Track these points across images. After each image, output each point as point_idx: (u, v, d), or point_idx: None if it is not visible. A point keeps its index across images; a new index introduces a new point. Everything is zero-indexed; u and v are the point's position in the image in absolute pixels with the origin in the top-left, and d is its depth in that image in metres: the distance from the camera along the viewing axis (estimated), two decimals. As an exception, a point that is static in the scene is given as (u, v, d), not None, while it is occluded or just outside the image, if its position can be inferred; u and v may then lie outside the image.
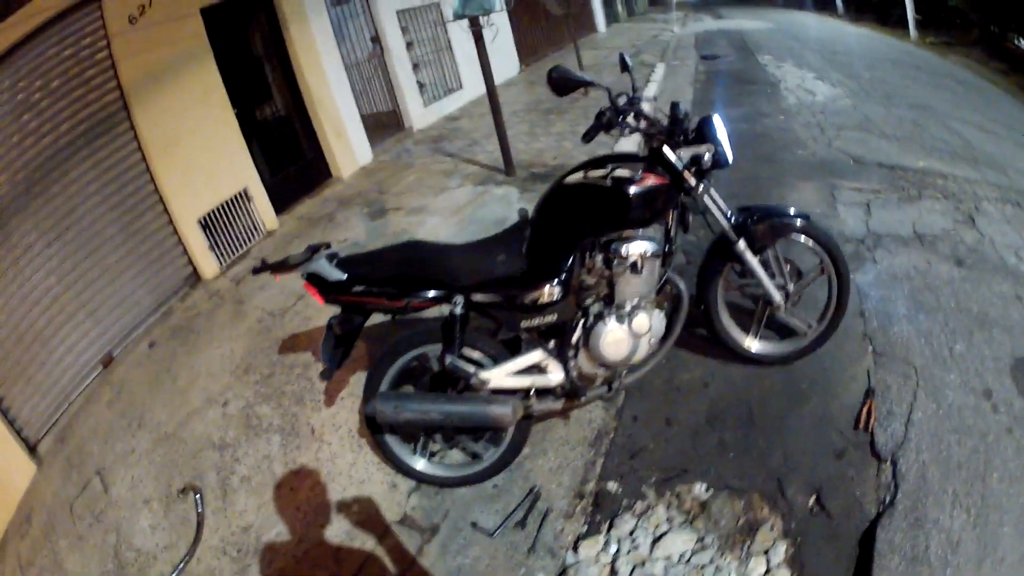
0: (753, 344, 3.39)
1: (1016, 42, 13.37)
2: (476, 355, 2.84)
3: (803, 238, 3.07)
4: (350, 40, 9.34)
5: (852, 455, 2.87)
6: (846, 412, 3.10)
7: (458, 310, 2.71)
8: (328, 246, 2.89)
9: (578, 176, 2.70)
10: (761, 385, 3.37)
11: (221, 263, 6.18)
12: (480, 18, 6.25)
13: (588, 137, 2.79)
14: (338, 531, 2.93)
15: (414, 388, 3.06)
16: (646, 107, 2.85)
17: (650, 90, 9.17)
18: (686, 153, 2.76)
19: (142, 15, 5.63)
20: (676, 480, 2.88)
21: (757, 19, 21.58)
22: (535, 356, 2.83)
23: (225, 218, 6.24)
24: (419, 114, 9.83)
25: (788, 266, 3.20)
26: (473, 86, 11.02)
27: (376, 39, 9.47)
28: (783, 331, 3.49)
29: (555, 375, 2.85)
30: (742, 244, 2.97)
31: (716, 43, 15.10)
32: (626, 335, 2.74)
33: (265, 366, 4.32)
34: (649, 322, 2.77)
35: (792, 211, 3.08)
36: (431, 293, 2.72)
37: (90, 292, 5.23)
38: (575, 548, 2.62)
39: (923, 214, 4.91)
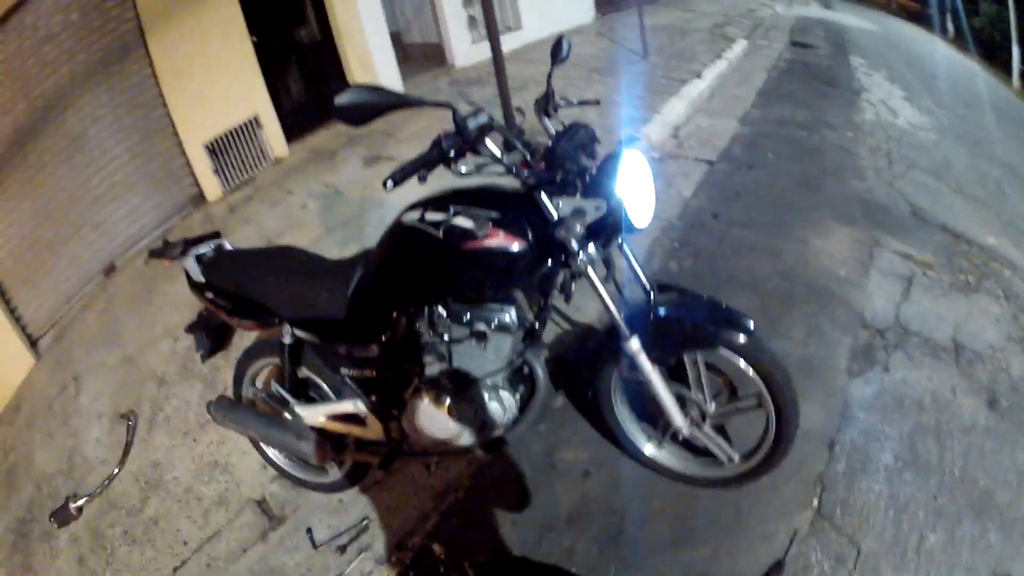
0: (653, 450, 2.66)
1: None
2: (321, 384, 2.70)
3: (734, 357, 2.17)
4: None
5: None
6: (737, 581, 2.35)
7: (286, 340, 2.54)
8: (218, 235, 2.79)
9: (415, 215, 2.07)
10: (649, 500, 2.68)
11: (225, 187, 6.65)
12: None
13: (393, 181, 1.82)
14: (212, 492, 3.30)
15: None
16: (540, 134, 2.17)
17: (716, 68, 8.20)
18: (568, 205, 1.98)
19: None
20: (504, 572, 2.53)
21: (863, 18, 19.63)
22: (351, 406, 2.57)
23: (233, 144, 6.66)
24: (464, 51, 9.55)
25: (718, 378, 2.38)
26: (534, 28, 10.61)
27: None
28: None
29: (373, 431, 2.59)
30: (635, 344, 2.14)
31: (813, 31, 13.64)
32: (444, 420, 2.30)
33: (219, 308, 4.74)
34: (476, 411, 2.28)
35: (729, 316, 2.16)
36: (257, 318, 2.57)
37: (98, 206, 5.83)
38: None
39: (973, 315, 3.71)
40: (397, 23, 10.07)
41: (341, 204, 5.70)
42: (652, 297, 2.23)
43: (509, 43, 10.09)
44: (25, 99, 5.29)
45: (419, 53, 9.62)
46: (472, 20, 9.68)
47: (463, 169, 1.93)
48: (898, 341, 3.33)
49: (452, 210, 1.98)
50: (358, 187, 6.15)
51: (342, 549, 2.77)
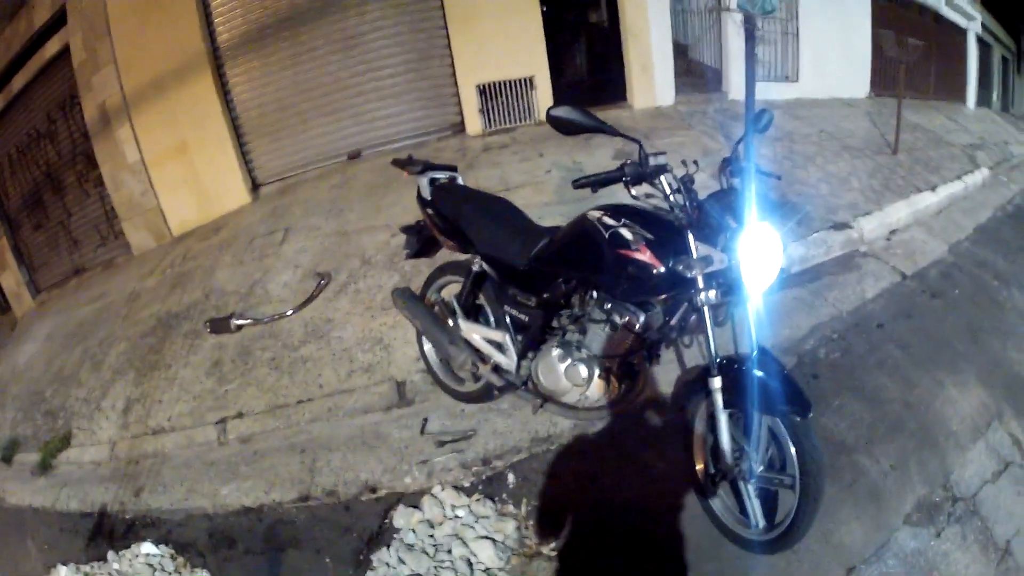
0: (708, 483, 2.73)
1: None
2: (487, 311, 3.14)
3: (783, 431, 2.39)
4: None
5: None
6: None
7: (475, 267, 3.05)
8: (454, 169, 3.31)
9: (597, 214, 2.49)
10: (679, 533, 2.77)
11: (486, 127, 7.16)
12: (757, 19, 6.09)
13: (579, 183, 2.39)
14: (365, 360, 3.71)
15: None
16: (695, 188, 2.42)
17: (952, 188, 7.70)
18: (704, 251, 2.32)
19: None
20: (540, 522, 2.81)
21: None
22: (500, 336, 3.00)
23: (504, 93, 7.14)
24: (740, 86, 8.94)
25: (773, 446, 2.53)
26: (810, 85, 10.46)
27: (718, -5, 9.09)
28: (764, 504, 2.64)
29: (508, 361, 2.98)
30: (717, 383, 2.41)
31: None
32: (560, 374, 2.66)
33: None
34: (585, 379, 2.60)
35: (795, 397, 2.35)
36: (459, 242, 3.07)
37: (360, 99, 6.59)
38: (444, 488, 2.92)
39: None
40: (686, 37, 10.13)
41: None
42: (750, 355, 2.44)
43: (784, 92, 10.08)
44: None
45: (701, 72, 9.62)
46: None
47: (634, 193, 2.37)
48: (963, 516, 3.15)
49: (622, 221, 2.40)
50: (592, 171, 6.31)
51: (441, 443, 3.17)
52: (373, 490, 2.94)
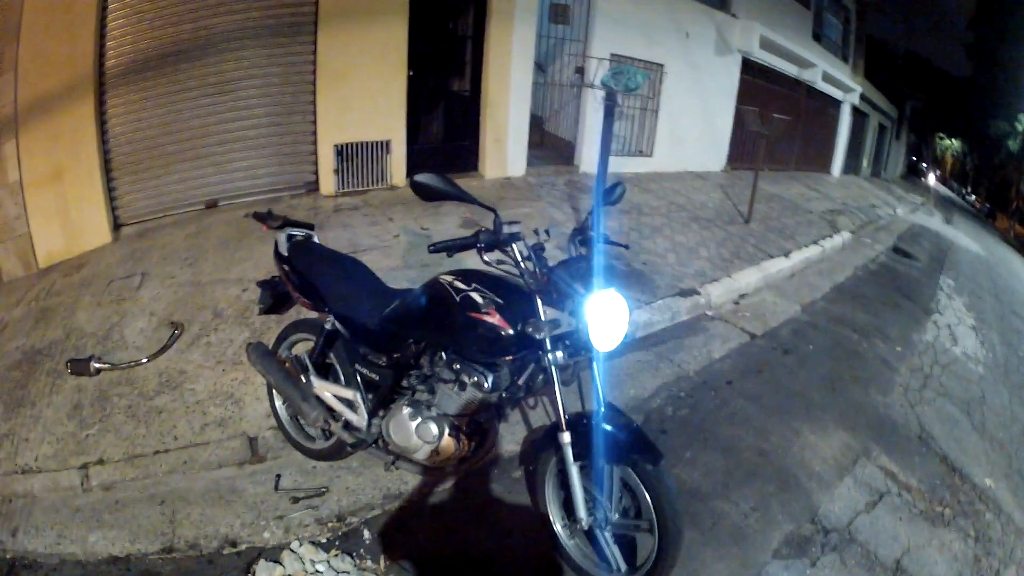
0: (563, 534, 2.92)
1: None
2: (338, 370, 3.28)
3: (635, 480, 2.53)
4: (560, 60, 9.67)
5: None
6: None
7: (327, 326, 3.19)
8: (311, 227, 3.47)
9: (449, 278, 2.66)
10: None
11: (339, 188, 7.35)
12: (618, 96, 6.68)
13: (435, 248, 2.48)
14: (218, 414, 3.79)
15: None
16: (547, 253, 2.64)
17: (807, 253, 8.22)
18: (553, 314, 2.51)
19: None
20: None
21: (977, 240, 19.25)
22: (351, 394, 3.13)
23: (360, 155, 7.38)
24: (592, 159, 9.70)
25: (630, 498, 2.67)
26: (663, 160, 11.10)
27: (580, 71, 9.69)
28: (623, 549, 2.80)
29: (359, 419, 3.10)
30: (566, 437, 2.54)
31: (921, 242, 13.15)
32: (410, 432, 2.78)
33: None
34: (435, 436, 2.72)
35: (646, 447, 2.54)
36: (313, 300, 3.21)
37: (224, 148, 6.62)
38: (302, 543, 2.99)
39: (931, 546, 3.53)
40: (542, 110, 10.63)
41: (425, 250, 6.15)
42: (598, 410, 2.61)
43: (637, 166, 10.63)
44: (193, 23, 6.14)
45: (553, 144, 10.14)
46: (608, 132, 10.08)
47: (486, 259, 2.55)
48: (838, 544, 3.33)
49: (473, 285, 2.58)
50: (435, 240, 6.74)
51: (295, 500, 3.28)
52: (234, 544, 3.02)
